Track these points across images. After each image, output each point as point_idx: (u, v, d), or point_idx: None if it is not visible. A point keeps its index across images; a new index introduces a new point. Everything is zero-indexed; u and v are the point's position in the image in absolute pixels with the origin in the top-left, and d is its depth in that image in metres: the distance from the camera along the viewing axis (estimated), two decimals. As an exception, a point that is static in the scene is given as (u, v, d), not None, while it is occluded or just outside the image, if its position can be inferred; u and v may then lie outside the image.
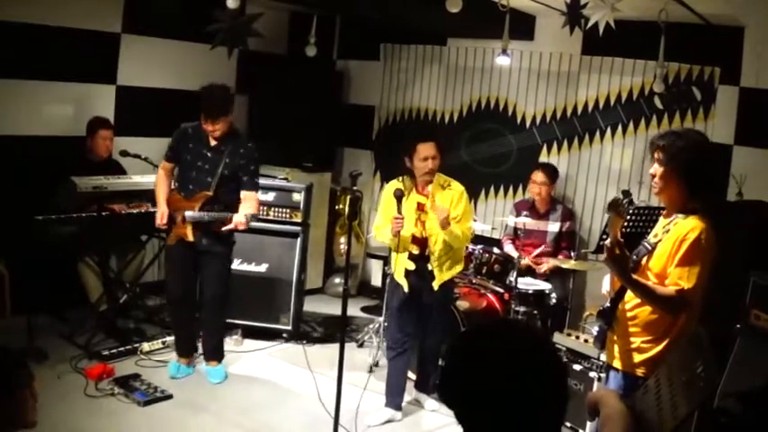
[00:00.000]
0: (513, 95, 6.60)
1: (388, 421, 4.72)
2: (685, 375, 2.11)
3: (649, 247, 3.08)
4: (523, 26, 6.16)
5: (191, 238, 4.85)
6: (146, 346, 5.33)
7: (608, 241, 2.96)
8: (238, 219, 4.76)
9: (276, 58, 7.23)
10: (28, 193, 5.33)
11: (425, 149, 4.47)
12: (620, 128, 6.00)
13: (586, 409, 2.01)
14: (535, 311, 5.39)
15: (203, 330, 5.22)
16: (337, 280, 7.28)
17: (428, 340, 4.78)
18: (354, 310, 6.86)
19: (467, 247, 5.12)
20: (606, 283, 3.37)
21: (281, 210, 5.99)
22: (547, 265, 5.73)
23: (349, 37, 7.62)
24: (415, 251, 4.58)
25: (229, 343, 5.60)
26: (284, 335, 5.91)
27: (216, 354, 5.20)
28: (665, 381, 2.20)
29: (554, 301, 5.54)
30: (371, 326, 6.03)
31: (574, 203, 6.25)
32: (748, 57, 5.32)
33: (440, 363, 4.77)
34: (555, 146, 6.37)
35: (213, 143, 4.84)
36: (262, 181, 5.90)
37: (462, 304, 5.16)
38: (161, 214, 4.88)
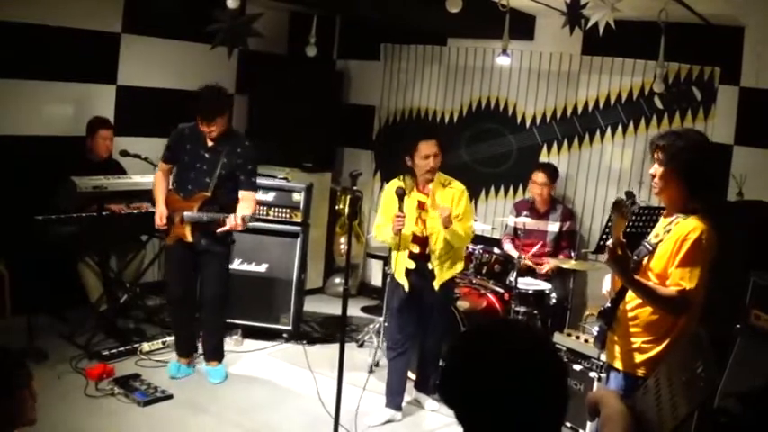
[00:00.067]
0: (514, 95, 6.60)
1: (389, 421, 4.72)
2: (685, 375, 2.11)
3: (650, 248, 3.08)
4: (523, 26, 6.16)
5: (189, 238, 4.85)
6: (146, 346, 5.34)
7: (610, 242, 2.96)
8: (231, 222, 4.73)
9: (276, 58, 7.23)
10: (28, 193, 5.33)
11: (427, 147, 4.47)
12: (620, 128, 6.00)
13: (587, 409, 2.01)
14: (535, 311, 5.39)
15: (203, 330, 5.22)
16: (337, 280, 7.29)
17: (428, 340, 4.78)
18: (354, 310, 6.86)
19: (467, 247, 5.12)
20: (606, 284, 3.38)
21: (281, 210, 5.99)
22: (548, 265, 5.73)
23: (349, 37, 7.62)
24: (416, 250, 4.58)
25: (229, 343, 5.60)
26: (284, 335, 5.91)
27: (216, 354, 5.20)
28: (664, 381, 2.20)
29: (554, 301, 5.54)
30: (372, 326, 6.03)
31: (574, 203, 6.25)
32: (748, 57, 5.32)
33: (440, 363, 4.77)
34: (555, 146, 6.36)
35: (210, 143, 4.84)
36: (262, 181, 5.92)
37: (462, 304, 5.16)
38: (160, 215, 4.88)
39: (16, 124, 5.64)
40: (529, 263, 5.75)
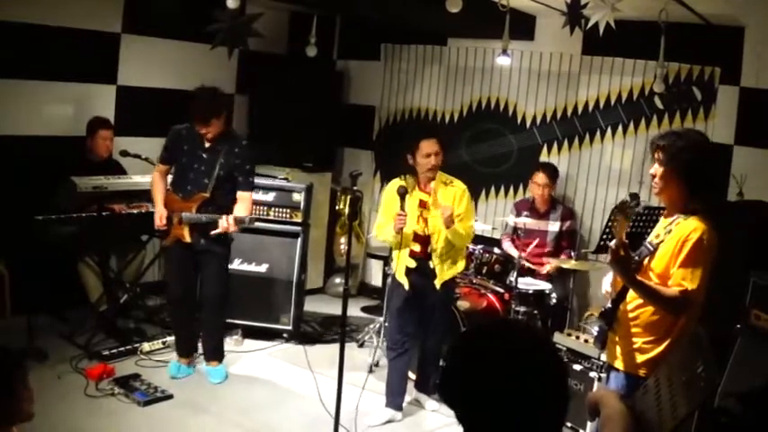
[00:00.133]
0: (514, 95, 6.60)
1: (389, 421, 4.72)
2: (685, 375, 2.11)
3: (651, 248, 3.08)
4: (524, 26, 6.16)
5: (188, 239, 4.85)
6: (146, 346, 5.34)
7: (613, 243, 2.96)
8: (223, 223, 4.73)
9: (276, 58, 7.23)
10: (28, 193, 5.33)
11: (428, 146, 4.48)
12: (620, 128, 6.00)
13: (587, 409, 2.01)
14: (535, 311, 5.39)
15: (203, 330, 5.22)
16: (338, 280, 7.29)
17: (429, 340, 4.78)
18: (355, 310, 6.86)
19: (467, 247, 5.12)
20: (606, 284, 3.37)
21: (281, 210, 5.99)
22: (549, 265, 5.72)
23: (349, 37, 7.63)
24: (417, 249, 4.58)
25: (230, 343, 5.60)
26: (284, 335, 5.91)
27: (216, 354, 5.20)
28: (664, 381, 2.20)
29: (554, 301, 5.54)
30: (372, 326, 6.03)
31: (574, 203, 6.25)
32: (748, 57, 5.32)
33: (440, 363, 4.77)
34: (555, 146, 6.36)
35: (208, 144, 4.84)
36: (262, 181, 5.93)
37: (463, 304, 5.16)
38: (159, 216, 4.88)
39: (16, 124, 5.64)
40: (529, 265, 5.74)
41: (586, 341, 4.53)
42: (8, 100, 5.57)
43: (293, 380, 5.22)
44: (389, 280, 5.09)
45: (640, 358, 3.07)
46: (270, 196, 5.98)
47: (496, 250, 5.67)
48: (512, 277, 5.40)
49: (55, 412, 4.25)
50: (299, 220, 5.99)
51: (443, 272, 4.59)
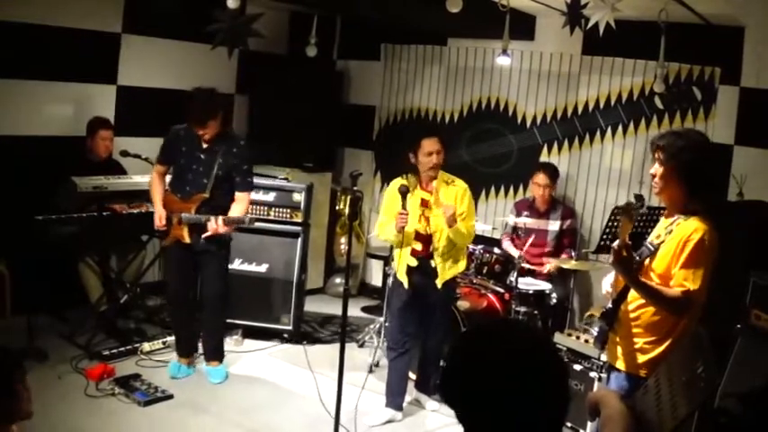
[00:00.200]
0: (514, 95, 6.60)
1: (389, 421, 4.72)
2: (686, 375, 2.11)
3: (652, 248, 3.08)
4: (524, 26, 6.16)
5: (187, 239, 4.85)
6: (146, 347, 5.34)
7: (615, 243, 2.96)
8: (212, 225, 4.73)
9: (276, 58, 7.24)
10: (28, 193, 5.33)
11: (430, 144, 4.48)
12: (620, 128, 6.00)
13: (587, 409, 2.01)
14: (536, 311, 5.38)
15: (204, 330, 5.22)
16: (338, 280, 7.29)
17: (430, 340, 4.78)
18: (355, 310, 6.86)
19: (467, 247, 5.12)
20: (606, 284, 3.38)
21: (281, 210, 5.98)
22: (550, 265, 5.72)
23: (349, 37, 7.63)
24: (419, 247, 4.59)
25: (230, 343, 5.60)
26: (285, 335, 5.91)
27: (216, 354, 5.20)
28: (665, 381, 2.20)
29: (554, 301, 5.53)
30: (372, 326, 6.03)
31: (574, 203, 6.25)
32: (749, 57, 5.32)
33: (441, 363, 4.77)
34: (555, 146, 6.36)
35: (206, 145, 4.84)
36: (262, 181, 5.93)
37: (463, 304, 5.16)
38: (159, 216, 4.88)
39: (16, 124, 5.64)
40: (528, 266, 5.74)
41: (587, 341, 4.53)
42: (8, 100, 5.57)
43: (293, 380, 5.22)
44: (390, 280, 5.09)
45: (641, 358, 3.07)
46: (270, 196, 5.98)
47: (497, 250, 5.67)
48: (512, 277, 5.40)
49: (55, 412, 4.25)
50: (300, 220, 5.98)
51: (445, 271, 4.59)
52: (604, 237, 4.85)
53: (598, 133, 6.13)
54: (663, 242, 3.04)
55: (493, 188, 6.76)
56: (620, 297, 3.18)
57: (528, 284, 5.50)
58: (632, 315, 3.13)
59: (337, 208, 6.81)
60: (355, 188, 6.15)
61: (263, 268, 5.94)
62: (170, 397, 4.70)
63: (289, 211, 5.98)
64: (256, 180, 5.41)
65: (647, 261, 3.09)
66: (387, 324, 5.46)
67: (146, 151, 5.80)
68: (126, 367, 5.04)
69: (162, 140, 5.03)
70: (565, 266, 5.56)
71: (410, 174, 4.61)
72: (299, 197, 5.99)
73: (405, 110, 7.31)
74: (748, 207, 5.05)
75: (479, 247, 5.58)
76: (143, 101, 6.37)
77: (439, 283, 4.58)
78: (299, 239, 5.96)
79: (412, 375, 5.02)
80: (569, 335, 4.71)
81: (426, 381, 4.95)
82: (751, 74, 5.32)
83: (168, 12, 6.18)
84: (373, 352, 5.59)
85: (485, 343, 1.60)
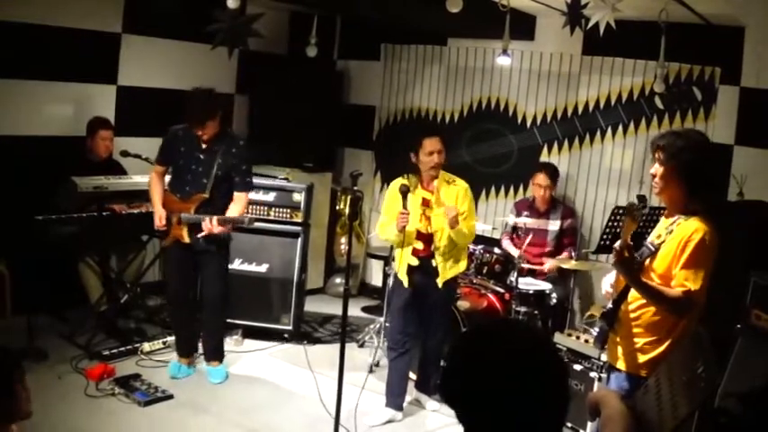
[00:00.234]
0: (514, 95, 6.60)
1: (389, 421, 4.72)
2: (686, 375, 2.11)
3: (653, 248, 3.08)
4: (524, 26, 6.16)
5: (187, 239, 4.85)
6: (146, 347, 5.34)
7: (617, 244, 2.96)
8: (207, 225, 4.73)
9: (277, 58, 7.23)
10: (28, 193, 5.33)
11: (431, 144, 4.50)
12: (620, 128, 6.00)
13: (587, 409, 2.01)
14: (536, 312, 5.38)
15: (204, 331, 5.22)
16: (338, 280, 7.29)
17: (430, 341, 4.78)
18: (355, 310, 6.86)
19: (468, 247, 5.12)
20: (606, 284, 3.38)
21: (281, 210, 5.98)
22: (549, 263, 5.72)
23: (349, 37, 7.63)
24: (420, 246, 4.59)
25: (230, 343, 5.60)
26: (285, 335, 5.91)
27: (216, 354, 5.20)
28: (665, 381, 2.20)
29: (555, 301, 5.53)
30: (372, 326, 6.03)
31: (574, 203, 6.25)
32: (749, 57, 5.32)
33: (441, 363, 4.77)
34: (555, 146, 6.36)
35: (205, 145, 4.84)
36: (263, 181, 5.94)
37: (463, 304, 5.15)
38: (159, 216, 4.87)
39: (16, 124, 5.64)
40: (528, 266, 5.74)
41: (587, 341, 4.53)
42: (8, 100, 5.57)
43: (293, 380, 5.22)
44: (390, 280, 5.09)
45: (642, 358, 3.07)
46: (270, 196, 5.98)
47: (497, 250, 5.67)
48: (512, 277, 5.40)
49: (55, 412, 4.25)
50: (300, 220, 5.98)
51: (446, 270, 4.59)
52: (604, 237, 4.85)
53: (598, 133, 6.13)
54: (663, 242, 3.04)
55: (493, 188, 6.76)
56: (621, 297, 3.18)
57: (528, 284, 5.50)
58: (633, 315, 3.13)
59: (337, 208, 6.80)
60: (355, 188, 6.15)
61: (263, 268, 5.94)
62: (170, 397, 4.70)
63: (289, 211, 5.98)
64: (257, 180, 5.41)
65: (647, 261, 3.09)
66: (387, 324, 5.46)
67: (146, 151, 5.80)
68: (126, 367, 5.04)
69: (162, 140, 5.03)
70: (565, 266, 5.56)
71: (411, 173, 4.62)
72: (299, 197, 5.99)
73: (405, 110, 7.31)
74: (748, 207, 5.05)
75: (479, 247, 5.58)
76: (143, 101, 6.37)
77: (440, 282, 4.58)
78: (300, 239, 5.96)
79: (412, 375, 5.02)
80: (569, 335, 4.71)
81: (427, 381, 4.95)
82: (751, 74, 5.32)
83: (168, 12, 6.18)
84: (373, 352, 5.59)
85: (485, 343, 1.60)
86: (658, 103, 5.75)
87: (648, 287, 3.00)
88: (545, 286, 5.53)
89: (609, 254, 5.30)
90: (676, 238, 2.99)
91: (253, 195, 5.76)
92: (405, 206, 4.39)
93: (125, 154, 5.81)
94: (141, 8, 6.17)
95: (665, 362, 2.52)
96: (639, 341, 3.09)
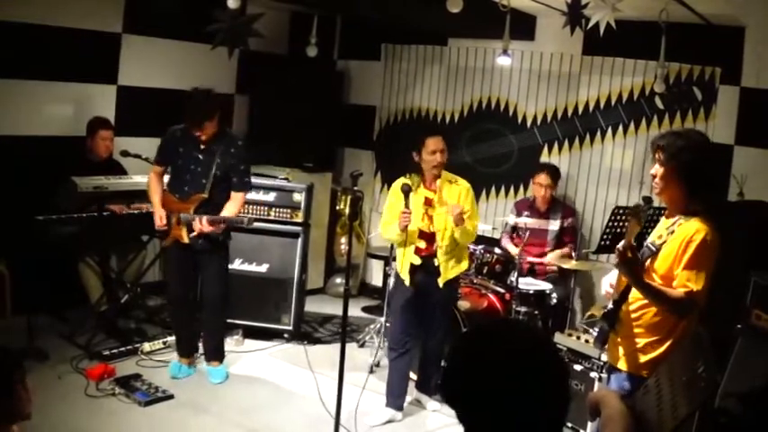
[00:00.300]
0: (514, 95, 6.60)
1: (389, 421, 4.72)
2: (686, 375, 2.11)
3: (654, 249, 3.08)
4: (524, 26, 6.16)
5: (186, 239, 4.85)
6: (146, 347, 5.34)
7: (621, 245, 2.96)
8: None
9: (277, 58, 7.23)
10: (28, 193, 5.33)
11: (434, 143, 4.52)
12: (620, 128, 6.00)
13: (587, 409, 2.01)
14: (536, 312, 5.38)
15: (204, 331, 5.22)
16: (338, 280, 7.29)
17: (431, 341, 4.78)
18: (355, 310, 6.86)
19: (468, 247, 5.12)
20: (605, 284, 3.37)
21: (281, 210, 5.98)
22: (552, 255, 5.72)
23: (350, 37, 7.63)
24: (422, 245, 4.60)
25: (230, 343, 5.60)
26: (285, 335, 5.91)
27: (217, 354, 5.20)
28: (665, 381, 2.20)
29: (555, 301, 5.53)
30: (372, 326, 6.03)
31: (575, 203, 6.25)
32: (749, 57, 5.32)
33: (442, 363, 4.77)
34: (556, 146, 6.36)
35: (203, 145, 4.84)
36: (263, 181, 5.94)
37: (463, 304, 5.15)
38: (160, 216, 4.87)
39: (16, 124, 5.64)
40: (531, 258, 5.73)
41: (587, 341, 4.53)
42: (8, 100, 5.57)
43: (294, 380, 5.22)
44: (391, 279, 5.09)
45: (643, 359, 3.07)
46: (270, 196, 5.98)
47: (497, 250, 5.68)
48: (512, 277, 5.40)
49: (55, 412, 4.25)
50: (300, 220, 5.98)
51: (448, 270, 4.60)
52: (605, 237, 4.85)
53: (598, 133, 6.13)
54: (664, 242, 3.04)
55: (493, 188, 6.76)
56: (622, 297, 3.18)
57: (528, 284, 5.50)
58: (634, 315, 3.12)
59: (337, 208, 6.81)
60: (356, 188, 6.15)
61: (263, 268, 5.94)
62: (170, 397, 4.70)
63: (289, 211, 5.98)
64: (257, 180, 5.40)
65: (647, 261, 3.09)
66: (387, 324, 5.46)
67: (146, 151, 5.80)
68: (126, 367, 5.04)
69: (161, 141, 5.03)
70: (565, 266, 5.56)
71: (414, 173, 4.64)
72: (299, 197, 5.99)
73: (405, 110, 7.31)
74: (748, 207, 5.05)
75: (480, 247, 5.58)
76: (143, 101, 6.37)
77: (441, 281, 4.59)
78: (300, 239, 5.96)
79: (413, 376, 5.02)
80: (570, 335, 4.70)
81: (427, 381, 4.95)
82: (751, 74, 5.32)
83: (169, 12, 6.18)
84: (374, 352, 5.59)
85: (485, 343, 1.60)
86: (659, 103, 5.75)
87: (651, 288, 3.00)
88: (545, 286, 5.53)
89: (609, 254, 5.33)
90: (678, 238, 2.99)
91: (253, 195, 5.78)
92: (407, 205, 4.41)
93: (125, 154, 5.81)
94: (141, 8, 6.17)
95: (666, 362, 2.52)
96: (640, 341, 3.09)
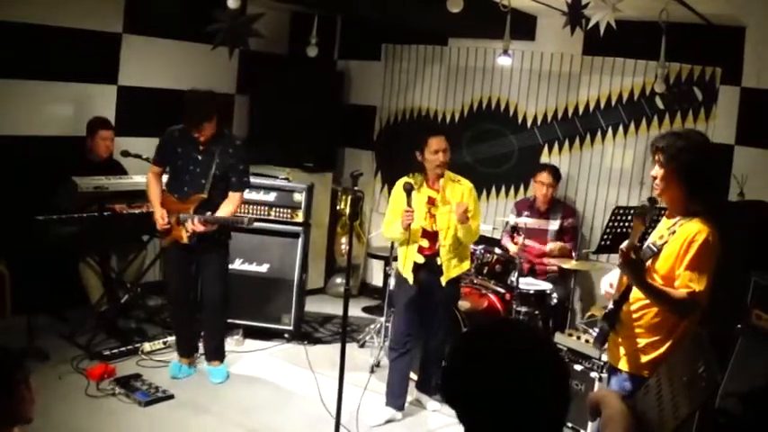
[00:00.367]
0: (515, 96, 6.60)
1: (389, 421, 4.72)
2: (687, 375, 2.11)
3: (655, 249, 3.07)
4: (524, 26, 6.16)
5: (185, 240, 4.85)
6: (147, 347, 5.34)
7: (624, 245, 2.96)
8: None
9: (277, 58, 7.23)
10: (28, 193, 5.33)
11: (436, 142, 4.54)
12: (621, 128, 6.00)
13: (588, 409, 2.01)
14: (536, 312, 5.38)
15: (204, 331, 5.22)
16: (338, 280, 7.29)
17: (432, 341, 4.78)
18: (356, 310, 6.86)
19: (469, 247, 5.12)
20: (605, 284, 3.37)
21: (282, 210, 5.98)
22: (553, 245, 5.72)
23: (350, 37, 7.63)
24: (426, 244, 4.60)
25: (230, 343, 5.60)
26: (285, 335, 5.91)
27: (217, 354, 5.20)
28: (666, 381, 2.19)
29: (555, 301, 5.53)
30: (373, 326, 6.03)
31: (575, 203, 6.25)
32: (749, 57, 5.32)
33: (442, 363, 4.76)
34: (556, 146, 6.36)
35: (202, 146, 4.84)
36: (263, 181, 5.94)
37: (464, 304, 5.15)
38: (161, 215, 4.87)
39: (16, 124, 5.64)
40: (530, 242, 5.74)
41: (587, 341, 4.53)
42: (8, 100, 5.57)
43: (294, 380, 5.22)
44: (392, 279, 5.09)
45: (644, 359, 3.07)
46: (271, 196, 5.98)
47: (497, 250, 5.67)
48: (513, 277, 5.40)
49: (56, 412, 4.25)
50: (300, 220, 5.98)
51: (450, 269, 4.61)
52: (605, 237, 4.85)
53: (599, 133, 6.13)
54: (666, 243, 3.04)
55: (493, 188, 6.76)
56: (622, 298, 3.18)
57: (529, 284, 5.50)
58: (635, 316, 3.12)
59: (338, 208, 6.81)
60: (356, 188, 6.15)
61: (263, 268, 5.94)
62: (171, 397, 4.70)
63: (289, 211, 5.98)
64: (257, 180, 5.39)
65: (649, 262, 3.09)
66: (387, 324, 5.46)
67: (146, 151, 5.78)
68: (127, 367, 5.04)
69: (161, 141, 5.03)
70: (565, 266, 5.56)
71: (417, 172, 4.65)
72: (299, 197, 5.98)
73: (405, 110, 7.31)
74: (749, 207, 5.05)
75: (480, 247, 5.57)
76: (144, 101, 6.37)
77: (443, 280, 4.59)
78: (300, 239, 5.96)
79: (413, 376, 5.02)
80: (570, 335, 4.71)
81: (428, 381, 4.95)
82: (752, 74, 5.32)
83: (169, 12, 6.18)
84: (374, 352, 5.58)
85: (485, 343, 1.60)
86: (659, 103, 5.75)
87: (654, 288, 3.00)
88: (546, 286, 5.54)
89: (609, 254, 5.34)
90: (679, 239, 2.99)
91: (253, 195, 5.78)
92: (409, 204, 4.42)
93: (126, 154, 5.81)
94: (142, 8, 6.17)
95: (666, 362, 2.52)
96: (641, 342, 3.09)
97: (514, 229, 6.05)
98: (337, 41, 7.65)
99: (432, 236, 4.61)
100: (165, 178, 5.05)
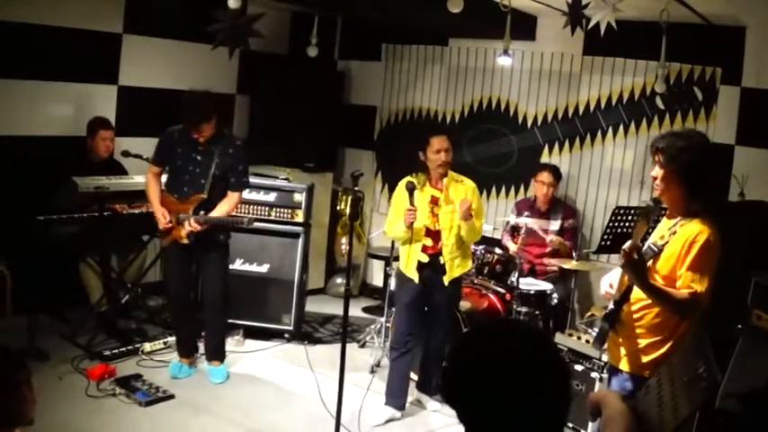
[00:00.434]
0: (515, 96, 6.60)
1: (390, 420, 4.72)
2: (687, 375, 2.10)
3: (656, 249, 3.07)
4: (525, 26, 6.16)
5: (185, 240, 4.85)
6: (147, 347, 5.34)
7: (627, 246, 2.96)
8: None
9: (277, 58, 7.24)
10: (28, 193, 5.33)
11: (438, 142, 4.56)
12: (621, 128, 6.00)
13: (588, 409, 2.01)
14: (537, 312, 5.38)
15: (205, 331, 5.22)
16: (339, 280, 7.28)
17: (433, 340, 4.78)
18: (356, 310, 6.86)
19: (470, 247, 5.13)
20: (605, 284, 3.37)
21: (282, 210, 5.98)
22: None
23: (350, 37, 7.63)
24: (429, 243, 4.61)
25: (231, 343, 5.60)
26: (286, 335, 5.91)
27: (218, 354, 5.20)
28: (666, 381, 2.19)
29: (555, 301, 5.53)
30: (373, 326, 6.03)
31: (575, 203, 6.25)
32: (749, 57, 5.32)
33: (443, 363, 4.76)
34: (556, 146, 6.36)
35: (202, 146, 4.84)
36: (263, 181, 5.94)
37: (464, 305, 5.15)
38: (162, 214, 4.86)
39: (16, 124, 5.64)
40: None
41: (588, 341, 4.53)
42: (8, 100, 5.57)
43: (294, 380, 5.22)
44: (392, 279, 5.09)
45: (645, 359, 3.07)
46: (271, 196, 5.98)
47: (498, 250, 5.67)
48: (513, 277, 5.40)
49: (56, 413, 4.24)
50: (301, 220, 5.98)
51: (453, 268, 4.62)
52: (605, 237, 4.85)
53: (599, 133, 6.13)
54: (667, 243, 3.04)
55: (494, 188, 6.76)
56: (623, 298, 3.18)
57: (529, 285, 5.50)
58: (635, 316, 3.12)
59: (338, 208, 6.81)
60: (356, 188, 6.15)
61: (264, 268, 5.94)
62: (171, 397, 4.70)
63: (289, 211, 5.98)
64: (257, 180, 5.38)
65: (650, 262, 3.09)
66: (388, 325, 5.46)
67: (147, 151, 5.77)
68: (127, 367, 5.04)
69: (160, 141, 5.03)
70: (565, 266, 5.55)
71: (420, 172, 4.67)
72: (299, 197, 5.98)
73: (406, 110, 7.31)
74: (749, 207, 5.05)
75: (480, 247, 5.57)
76: (144, 101, 6.36)
77: (446, 280, 4.60)
78: (300, 240, 5.96)
79: (414, 376, 5.02)
80: (570, 335, 4.71)
81: (428, 381, 4.95)
82: (752, 74, 5.32)
83: (169, 12, 6.19)
84: (374, 352, 5.58)
85: (485, 343, 1.60)
86: (659, 103, 5.75)
87: (655, 289, 2.99)
88: (546, 286, 5.54)
89: (610, 254, 5.34)
90: (680, 239, 2.99)
91: (254, 195, 5.78)
92: (411, 203, 4.43)
93: (126, 154, 5.81)
94: (142, 8, 6.17)
95: (667, 362, 2.52)
96: (642, 342, 3.09)
97: (515, 229, 6.05)
98: (337, 41, 7.65)
99: (435, 235, 4.62)
100: (164, 178, 5.06)
